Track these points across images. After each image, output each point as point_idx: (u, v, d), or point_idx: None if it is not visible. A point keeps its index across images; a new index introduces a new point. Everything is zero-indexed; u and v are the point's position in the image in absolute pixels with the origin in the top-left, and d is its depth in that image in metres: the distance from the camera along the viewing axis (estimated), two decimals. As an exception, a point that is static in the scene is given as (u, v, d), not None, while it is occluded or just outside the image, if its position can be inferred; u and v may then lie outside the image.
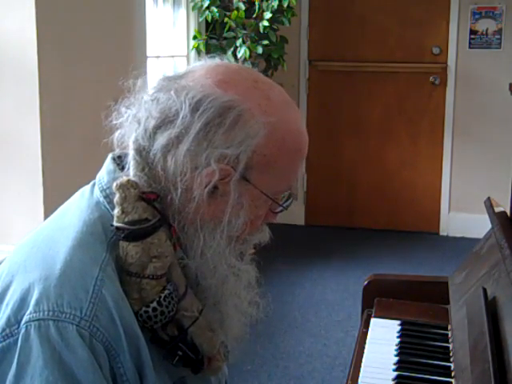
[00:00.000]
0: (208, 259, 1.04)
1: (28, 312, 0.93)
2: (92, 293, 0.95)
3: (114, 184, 1.01)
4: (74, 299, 0.94)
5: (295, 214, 5.28)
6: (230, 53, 4.26)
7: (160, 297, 0.99)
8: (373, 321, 1.76)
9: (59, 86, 2.83)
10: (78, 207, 1.06)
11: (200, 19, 4.35)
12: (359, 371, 1.53)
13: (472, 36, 4.91)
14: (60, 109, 2.83)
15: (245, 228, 1.05)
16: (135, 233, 0.99)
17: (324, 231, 5.19)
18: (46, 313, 0.93)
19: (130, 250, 0.99)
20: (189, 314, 1.02)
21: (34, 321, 0.93)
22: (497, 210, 1.73)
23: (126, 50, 3.42)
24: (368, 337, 1.69)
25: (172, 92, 1.02)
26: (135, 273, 0.99)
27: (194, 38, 4.39)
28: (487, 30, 4.88)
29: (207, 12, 4.20)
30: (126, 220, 0.99)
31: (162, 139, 1.01)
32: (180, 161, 1.00)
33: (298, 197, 5.32)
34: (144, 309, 0.98)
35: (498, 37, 4.87)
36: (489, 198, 1.81)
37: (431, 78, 5.01)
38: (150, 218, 1.00)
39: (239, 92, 1.03)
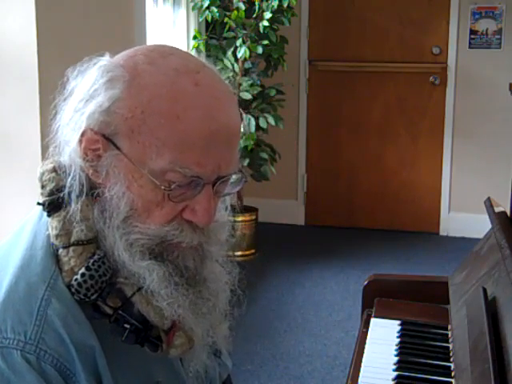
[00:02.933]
0: (110, 246, 0.97)
1: None
2: (36, 315, 0.92)
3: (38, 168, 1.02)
4: (18, 324, 0.92)
5: (295, 214, 5.28)
6: (230, 53, 4.26)
7: (88, 262, 0.95)
8: (373, 321, 1.76)
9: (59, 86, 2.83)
10: (31, 221, 1.03)
11: (200, 19, 4.35)
12: (359, 371, 1.53)
13: (472, 36, 4.91)
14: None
15: (132, 212, 0.95)
16: (54, 202, 0.98)
17: (324, 231, 5.19)
18: None
19: (54, 222, 0.97)
20: (129, 282, 0.96)
21: None
22: (497, 210, 1.73)
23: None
24: (368, 337, 1.69)
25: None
26: (63, 244, 0.96)
27: (194, 37, 4.39)
28: (487, 30, 4.88)
29: (207, 12, 4.20)
30: (45, 192, 0.99)
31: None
32: (61, 128, 1.00)
33: (298, 197, 5.32)
34: (74, 277, 0.94)
35: (498, 37, 4.87)
36: (489, 198, 1.81)
37: (431, 78, 5.01)
38: (67, 186, 0.98)
39: (124, 57, 0.99)
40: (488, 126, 4.95)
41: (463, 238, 4.98)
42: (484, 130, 4.97)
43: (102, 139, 0.95)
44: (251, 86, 4.26)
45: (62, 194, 0.98)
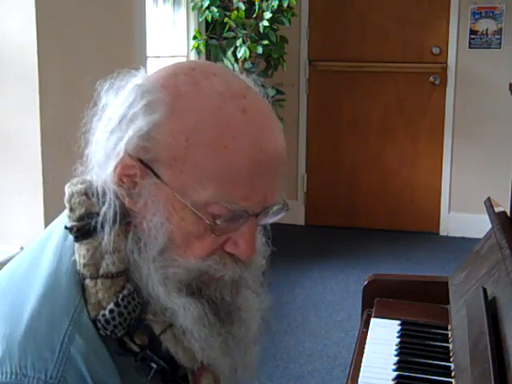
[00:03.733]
0: (145, 278, 0.91)
1: None
2: (59, 352, 0.86)
3: (66, 185, 0.96)
4: (39, 360, 0.85)
5: (295, 214, 5.28)
6: (229, 53, 4.26)
7: (118, 297, 0.89)
8: (373, 321, 1.76)
9: (59, 86, 2.83)
10: (56, 239, 0.96)
11: (200, 19, 4.34)
12: (359, 371, 1.53)
13: (472, 36, 4.91)
14: (60, 109, 2.83)
15: (171, 244, 0.89)
16: (84, 229, 0.91)
17: (324, 231, 5.19)
18: (8, 376, 0.85)
19: (82, 250, 0.90)
20: (159, 319, 0.91)
21: None
22: (497, 210, 1.73)
23: (126, 50, 3.42)
24: (368, 337, 1.69)
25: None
26: (90, 274, 0.89)
27: (194, 38, 4.39)
28: (487, 30, 4.88)
29: (207, 12, 4.20)
30: (75, 217, 0.92)
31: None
32: (94, 150, 0.94)
33: (298, 197, 5.32)
34: (101, 312, 0.88)
35: (498, 37, 4.87)
36: (489, 198, 1.81)
37: (431, 78, 5.01)
38: (98, 212, 0.91)
39: (163, 76, 0.92)
40: (488, 126, 4.95)
41: (463, 238, 4.98)
42: (484, 130, 4.97)
43: (139, 165, 0.89)
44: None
45: (92, 221, 0.91)
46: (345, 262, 4.53)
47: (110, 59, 3.23)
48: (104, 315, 0.88)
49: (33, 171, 2.72)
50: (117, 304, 0.88)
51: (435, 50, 5.00)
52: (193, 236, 0.89)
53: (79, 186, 0.94)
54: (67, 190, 0.95)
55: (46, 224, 2.76)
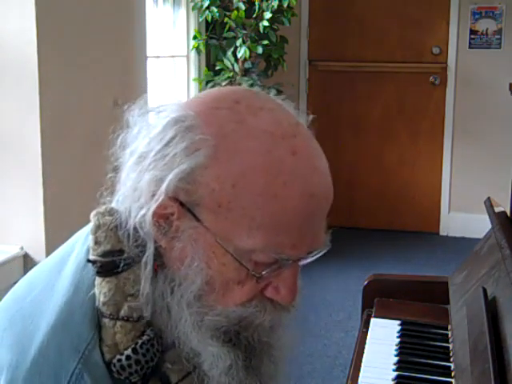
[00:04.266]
0: (175, 321, 0.86)
1: None
2: None
3: (92, 213, 0.89)
4: None
5: (295, 213, 5.28)
6: (229, 53, 4.26)
7: (136, 343, 0.83)
8: (373, 321, 1.76)
9: (59, 85, 2.83)
10: (74, 263, 0.90)
11: (200, 19, 4.34)
12: (359, 371, 1.53)
13: (472, 36, 4.91)
14: (60, 109, 2.83)
15: (209, 289, 0.84)
16: (108, 266, 0.85)
17: (324, 231, 5.18)
18: None
19: (104, 287, 0.85)
20: (176, 368, 0.86)
21: None
22: (497, 210, 1.73)
23: (126, 50, 3.42)
24: (368, 337, 1.69)
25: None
26: (109, 314, 0.84)
27: (194, 38, 4.39)
28: (487, 30, 4.88)
29: (207, 12, 4.20)
30: (99, 251, 0.86)
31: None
32: (124, 184, 0.87)
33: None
34: (117, 357, 0.83)
35: (498, 37, 4.87)
36: (489, 198, 1.81)
37: (431, 78, 5.01)
38: (125, 250, 0.86)
39: (203, 110, 0.84)
40: (488, 126, 4.95)
41: (463, 238, 4.98)
42: (484, 130, 4.97)
43: (178, 206, 0.83)
44: (251, 86, 4.25)
45: (117, 260, 0.85)
46: (345, 262, 4.53)
47: (110, 59, 3.23)
48: (120, 360, 0.83)
49: (33, 171, 2.73)
50: (135, 350, 0.83)
51: (435, 50, 5.00)
52: (233, 282, 0.84)
53: (107, 218, 0.88)
54: (94, 219, 0.88)
55: (46, 224, 2.76)
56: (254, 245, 0.81)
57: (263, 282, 0.85)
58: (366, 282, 1.91)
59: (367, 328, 1.74)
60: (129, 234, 0.86)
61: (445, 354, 1.56)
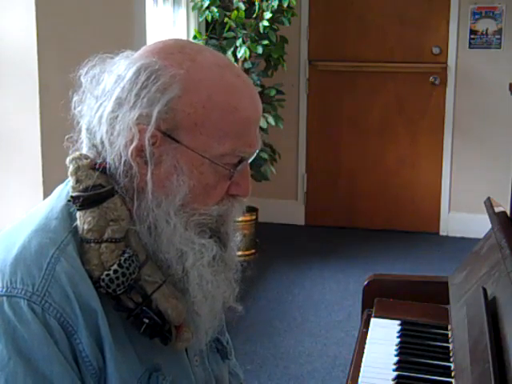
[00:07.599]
0: (161, 232, 1.03)
1: None
2: (45, 270, 0.97)
3: (67, 159, 1.05)
4: (27, 276, 0.97)
5: (295, 214, 5.28)
6: (229, 53, 4.26)
7: (120, 259, 0.99)
8: (373, 321, 1.77)
9: (59, 86, 2.83)
10: (49, 198, 1.09)
11: (200, 19, 4.35)
12: (359, 371, 1.54)
13: (472, 36, 4.91)
14: (60, 109, 2.83)
15: (191, 196, 1.03)
16: (91, 199, 1.01)
17: (324, 231, 5.19)
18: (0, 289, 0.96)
19: (87, 217, 1.00)
20: (151, 280, 1.02)
21: None
22: (497, 210, 1.73)
23: (126, 50, 3.42)
24: (368, 337, 1.69)
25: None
26: (94, 239, 1.00)
27: (194, 37, 4.39)
28: (487, 29, 4.88)
29: (207, 12, 4.20)
30: (81, 188, 1.02)
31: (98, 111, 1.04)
32: (105, 128, 1.02)
33: (298, 197, 5.32)
34: (106, 272, 0.99)
35: (497, 37, 4.87)
36: (489, 198, 1.81)
37: (431, 78, 5.01)
38: (104, 184, 1.02)
39: (161, 56, 1.04)
40: (488, 125, 4.95)
41: (463, 238, 4.98)
42: (484, 129, 4.97)
43: (160, 135, 1.01)
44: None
45: (100, 191, 1.01)
46: (345, 262, 4.53)
47: (110, 59, 3.23)
48: (108, 275, 0.99)
49: (33, 171, 2.73)
50: (120, 265, 0.99)
51: (435, 50, 4.99)
52: (209, 186, 1.05)
53: (85, 161, 1.04)
54: (72, 163, 1.04)
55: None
56: (225, 150, 1.03)
57: (233, 179, 1.06)
58: (365, 282, 1.91)
59: (367, 328, 1.74)
60: (110, 170, 1.02)
61: (445, 354, 1.56)
